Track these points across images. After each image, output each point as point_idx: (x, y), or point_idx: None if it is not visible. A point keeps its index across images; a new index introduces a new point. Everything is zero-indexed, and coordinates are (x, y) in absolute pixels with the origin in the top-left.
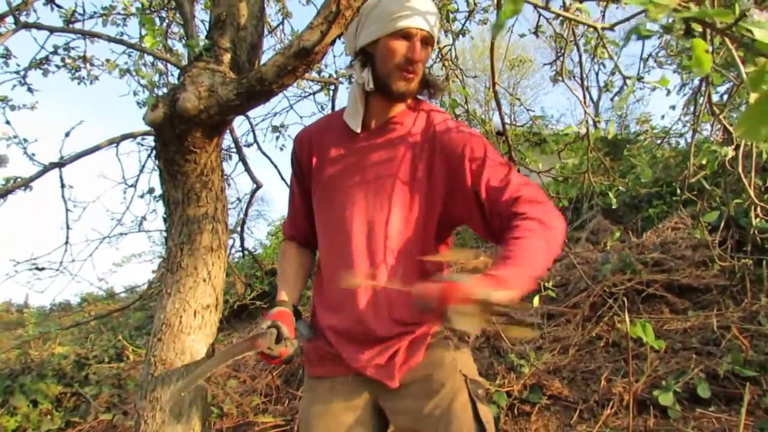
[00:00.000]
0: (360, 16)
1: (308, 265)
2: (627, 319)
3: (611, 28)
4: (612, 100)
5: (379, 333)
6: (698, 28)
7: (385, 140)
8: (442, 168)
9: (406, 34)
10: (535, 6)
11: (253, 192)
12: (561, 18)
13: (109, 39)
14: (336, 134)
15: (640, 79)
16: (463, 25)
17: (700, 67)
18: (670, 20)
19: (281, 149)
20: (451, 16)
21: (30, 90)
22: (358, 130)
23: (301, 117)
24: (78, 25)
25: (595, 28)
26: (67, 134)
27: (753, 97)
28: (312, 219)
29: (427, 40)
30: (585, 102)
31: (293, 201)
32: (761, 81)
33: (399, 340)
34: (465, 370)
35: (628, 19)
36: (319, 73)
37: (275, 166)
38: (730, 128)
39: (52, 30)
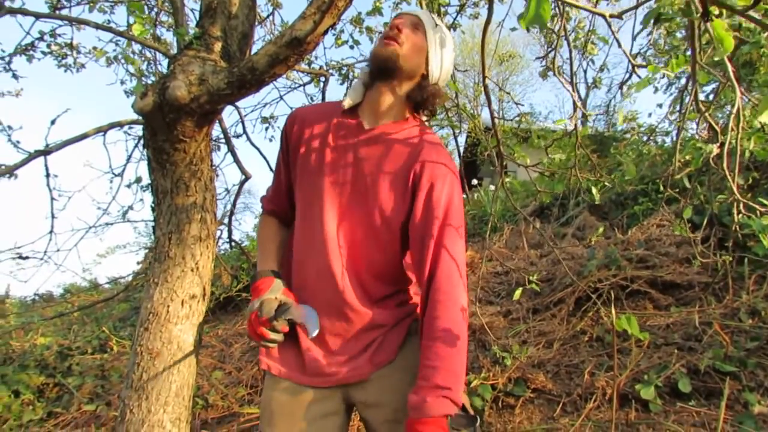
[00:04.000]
0: None
1: (285, 243)
2: (613, 312)
3: (619, 16)
4: (621, 87)
5: (356, 324)
6: (715, 10)
7: (377, 148)
8: (409, 189)
9: (397, 17)
10: None
11: (242, 183)
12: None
13: (97, 26)
14: (332, 125)
15: (654, 68)
16: (455, 19)
17: (722, 46)
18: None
19: (270, 140)
20: (442, 10)
21: (15, 77)
22: (346, 107)
23: (290, 108)
24: (65, 12)
25: (603, 17)
26: (53, 122)
27: None
28: (293, 198)
29: (417, 26)
30: (575, 97)
31: (278, 177)
32: None
33: (375, 331)
34: None
35: (635, 7)
36: (309, 64)
37: (264, 158)
38: (716, 126)
39: (38, 16)
